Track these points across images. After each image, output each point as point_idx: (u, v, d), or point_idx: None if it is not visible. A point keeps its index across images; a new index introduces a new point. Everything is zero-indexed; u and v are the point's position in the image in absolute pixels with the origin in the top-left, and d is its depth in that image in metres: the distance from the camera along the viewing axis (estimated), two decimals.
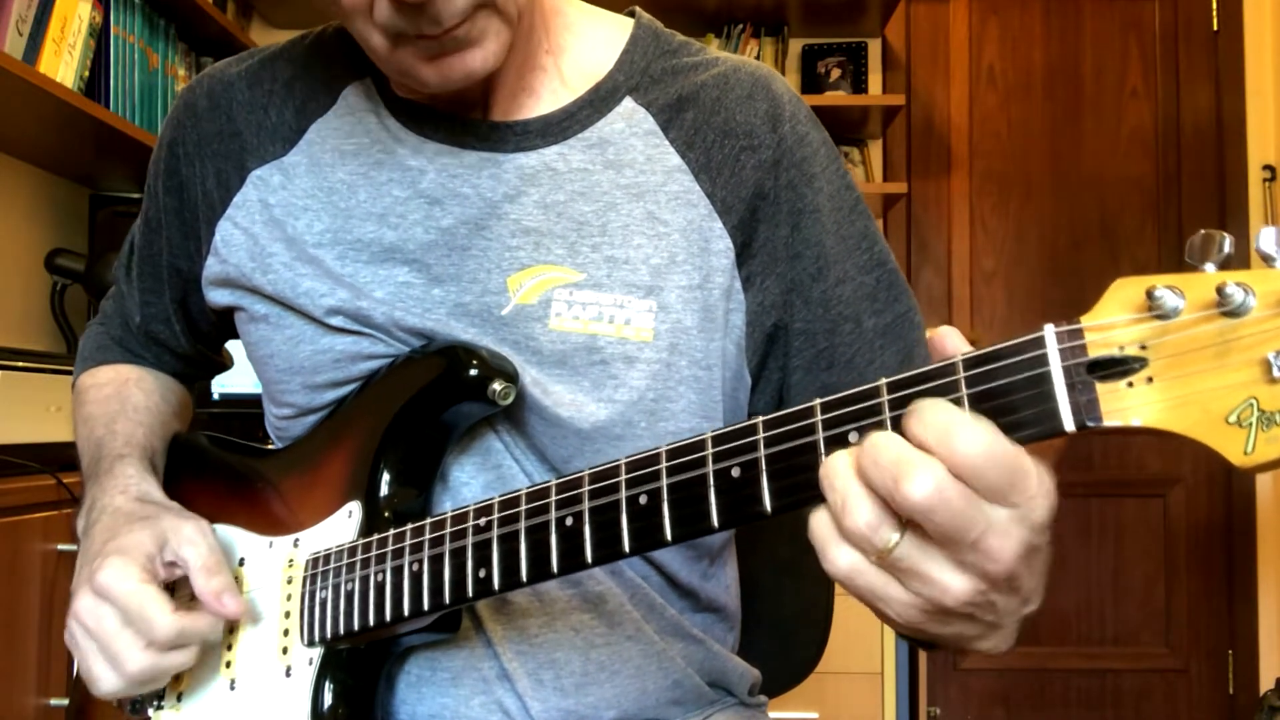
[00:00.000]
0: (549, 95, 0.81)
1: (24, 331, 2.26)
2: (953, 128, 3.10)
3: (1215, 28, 3.03)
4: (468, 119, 0.81)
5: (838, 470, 0.47)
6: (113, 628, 0.72)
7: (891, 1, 2.91)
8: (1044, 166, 3.07)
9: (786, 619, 1.11)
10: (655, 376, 0.76)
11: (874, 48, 3.11)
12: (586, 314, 0.76)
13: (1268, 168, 2.88)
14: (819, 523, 0.49)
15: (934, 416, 0.45)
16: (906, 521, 0.46)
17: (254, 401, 0.90)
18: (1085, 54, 3.08)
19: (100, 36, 2.11)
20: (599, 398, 0.76)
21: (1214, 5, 3.03)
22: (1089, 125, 3.06)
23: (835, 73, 3.02)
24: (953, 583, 0.47)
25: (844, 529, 0.47)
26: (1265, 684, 2.82)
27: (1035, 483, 0.45)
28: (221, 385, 2.43)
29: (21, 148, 2.19)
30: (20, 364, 1.61)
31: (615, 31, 0.85)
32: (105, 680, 0.73)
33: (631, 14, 0.87)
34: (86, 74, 2.07)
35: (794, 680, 1.13)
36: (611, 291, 0.77)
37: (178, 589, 0.85)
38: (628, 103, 0.81)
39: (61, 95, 1.91)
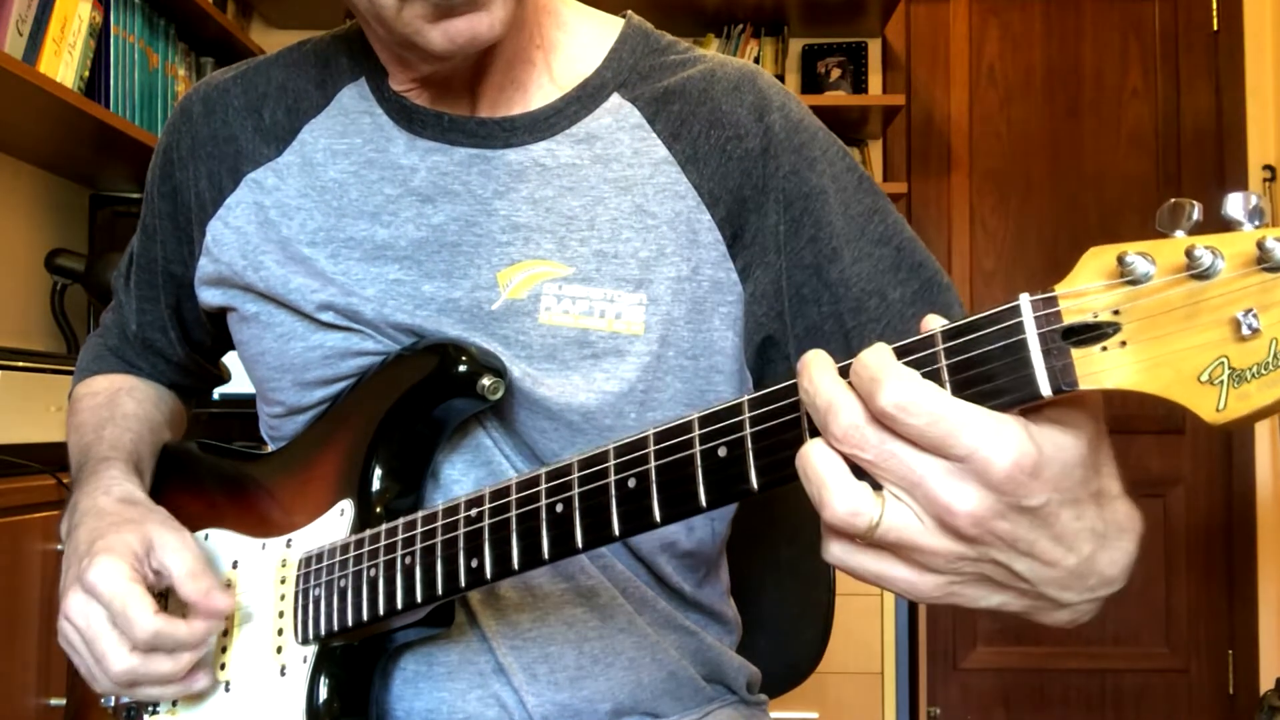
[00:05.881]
0: (537, 92, 0.82)
1: (24, 331, 2.27)
2: (953, 128, 3.10)
3: (1215, 28, 3.03)
4: (457, 116, 0.81)
5: (810, 459, 0.47)
6: (100, 626, 0.72)
7: (891, 1, 2.91)
8: (1044, 166, 3.07)
9: (787, 619, 1.11)
10: (646, 369, 0.77)
11: (874, 48, 3.11)
12: (576, 308, 0.77)
13: (1268, 168, 2.88)
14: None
15: (861, 366, 0.47)
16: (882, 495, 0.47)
17: (253, 402, 0.91)
18: (1085, 54, 3.08)
19: (100, 36, 2.11)
20: (589, 389, 0.76)
21: (1214, 5, 3.03)
22: (1089, 125, 3.06)
23: (835, 73, 3.02)
24: (932, 543, 0.46)
25: (826, 521, 0.47)
26: (1265, 684, 2.82)
27: (969, 438, 0.44)
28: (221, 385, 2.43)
29: (21, 148, 2.20)
30: (20, 364, 1.61)
31: (605, 30, 0.85)
32: (97, 680, 0.73)
33: (624, 16, 0.87)
34: (86, 74, 2.07)
35: (794, 680, 1.13)
36: (601, 285, 0.77)
37: (171, 599, 0.85)
38: (615, 98, 0.82)
39: (61, 95, 1.91)
